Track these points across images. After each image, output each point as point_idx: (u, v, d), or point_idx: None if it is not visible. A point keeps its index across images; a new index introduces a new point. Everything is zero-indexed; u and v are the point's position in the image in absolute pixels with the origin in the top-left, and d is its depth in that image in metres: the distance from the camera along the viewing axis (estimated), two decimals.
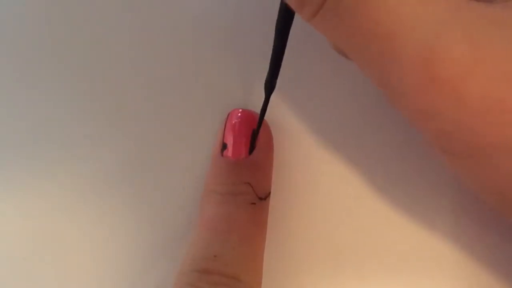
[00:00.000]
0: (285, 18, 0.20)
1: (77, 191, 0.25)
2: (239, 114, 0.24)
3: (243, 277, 0.21)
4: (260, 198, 0.23)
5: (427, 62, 0.15)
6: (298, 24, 0.19)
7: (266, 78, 0.21)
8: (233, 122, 0.24)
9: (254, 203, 0.23)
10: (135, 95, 0.25)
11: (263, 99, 0.22)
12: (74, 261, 0.24)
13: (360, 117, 0.24)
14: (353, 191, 0.24)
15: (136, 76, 0.25)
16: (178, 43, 0.25)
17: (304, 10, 0.17)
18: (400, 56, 0.16)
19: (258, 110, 0.23)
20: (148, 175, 0.25)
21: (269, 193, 0.23)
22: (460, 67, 0.15)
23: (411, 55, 0.16)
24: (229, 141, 0.23)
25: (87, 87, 0.25)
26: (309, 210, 0.24)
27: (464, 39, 0.15)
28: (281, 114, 0.25)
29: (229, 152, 0.23)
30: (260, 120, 0.23)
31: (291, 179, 0.24)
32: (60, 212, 0.24)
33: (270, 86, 0.22)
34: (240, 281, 0.21)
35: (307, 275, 0.24)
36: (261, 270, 0.22)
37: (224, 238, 0.22)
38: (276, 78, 0.21)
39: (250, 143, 0.23)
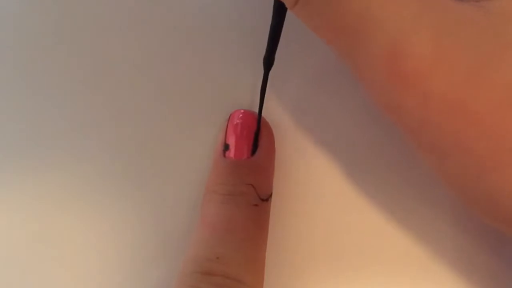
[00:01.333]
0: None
1: (78, 191, 0.24)
2: (241, 115, 0.24)
3: (245, 278, 0.21)
4: (262, 200, 0.23)
5: (392, 58, 0.16)
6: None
7: (265, 55, 0.22)
8: (235, 122, 0.24)
9: (256, 205, 0.22)
10: (136, 96, 0.25)
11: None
12: (74, 262, 0.24)
13: (362, 116, 0.24)
14: (354, 191, 0.24)
15: (137, 77, 0.25)
16: (179, 43, 0.25)
17: None
18: (367, 50, 0.16)
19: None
20: (148, 175, 0.25)
21: (271, 194, 0.23)
22: (423, 65, 0.16)
23: (378, 49, 0.16)
24: (231, 142, 0.23)
25: (88, 87, 0.25)
26: (309, 211, 0.24)
27: (428, 37, 0.16)
28: (281, 115, 0.24)
29: (231, 153, 0.23)
30: (261, 99, 0.23)
31: (291, 180, 0.24)
32: (61, 213, 0.24)
33: (268, 61, 0.22)
34: (243, 283, 0.21)
35: (308, 276, 0.24)
36: (263, 271, 0.22)
37: (226, 239, 0.21)
38: (274, 53, 0.22)
39: (252, 144, 0.23)
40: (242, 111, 0.24)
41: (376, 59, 0.16)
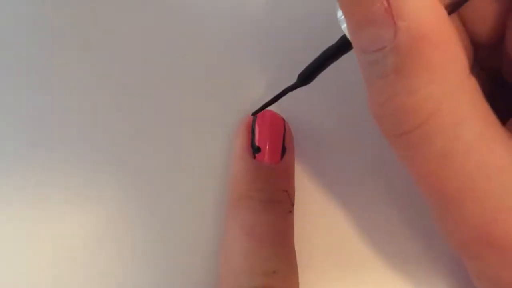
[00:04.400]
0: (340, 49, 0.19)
1: (84, 196, 0.22)
2: (272, 117, 0.23)
3: None
4: (293, 205, 0.23)
5: (487, 234, 0.16)
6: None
7: (305, 71, 0.20)
8: (267, 125, 0.22)
9: (290, 211, 0.22)
10: (143, 97, 0.23)
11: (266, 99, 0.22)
12: (89, 266, 0.21)
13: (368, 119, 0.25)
14: (365, 192, 0.24)
15: (145, 78, 0.23)
16: (186, 44, 0.23)
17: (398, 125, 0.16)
18: (460, 213, 0.16)
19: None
20: (157, 176, 0.23)
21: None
22: None
23: (472, 219, 0.16)
24: (265, 145, 0.22)
25: (96, 89, 0.23)
26: (320, 213, 0.24)
27: None
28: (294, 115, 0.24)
29: (265, 156, 0.22)
30: (271, 102, 0.22)
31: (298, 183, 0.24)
32: (70, 214, 0.22)
33: (305, 80, 0.20)
34: None
35: (313, 277, 0.24)
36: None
37: (278, 252, 0.21)
38: (315, 76, 0.20)
39: (282, 147, 0.23)
40: (271, 112, 0.23)
41: (471, 222, 0.16)
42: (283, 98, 0.23)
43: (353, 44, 0.16)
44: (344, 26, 0.17)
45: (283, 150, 0.23)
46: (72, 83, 0.22)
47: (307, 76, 0.20)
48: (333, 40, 0.19)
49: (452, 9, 0.16)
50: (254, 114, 0.23)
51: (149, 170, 0.22)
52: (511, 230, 0.16)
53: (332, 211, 0.24)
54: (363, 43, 0.16)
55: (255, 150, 0.22)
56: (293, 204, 0.23)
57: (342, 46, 0.18)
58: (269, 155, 0.22)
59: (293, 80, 0.23)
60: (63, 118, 0.22)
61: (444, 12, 0.15)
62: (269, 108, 0.22)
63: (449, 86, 0.15)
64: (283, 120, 0.23)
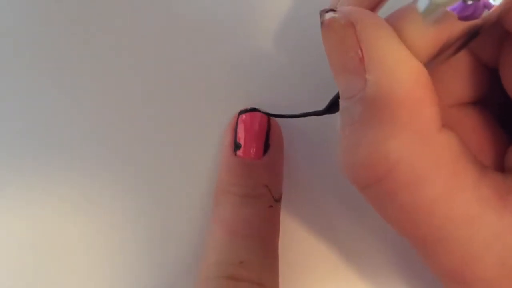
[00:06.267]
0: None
1: (84, 194, 0.23)
2: (253, 115, 0.23)
3: (267, 282, 0.21)
4: (276, 200, 0.23)
5: (459, 275, 0.16)
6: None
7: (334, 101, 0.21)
8: (248, 122, 0.23)
9: (271, 206, 0.22)
10: (140, 96, 0.24)
11: (263, 100, 0.24)
12: (79, 264, 0.23)
13: None
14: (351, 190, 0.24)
15: (141, 78, 0.24)
16: (180, 43, 0.24)
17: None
18: (436, 255, 0.16)
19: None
20: (151, 175, 0.24)
21: (281, 194, 0.23)
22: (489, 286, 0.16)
23: (446, 262, 0.16)
24: (244, 142, 0.23)
25: (94, 88, 0.24)
26: (313, 211, 0.24)
27: (494, 262, 0.16)
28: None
29: (244, 152, 0.23)
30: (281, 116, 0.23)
31: (296, 181, 0.24)
32: (62, 211, 0.23)
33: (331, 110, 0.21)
34: (265, 287, 0.21)
35: (310, 277, 0.24)
36: (278, 272, 0.22)
37: (248, 243, 0.21)
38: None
39: (264, 144, 0.23)
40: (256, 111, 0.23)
41: (443, 266, 0.16)
42: (278, 99, 0.24)
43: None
44: None
45: (267, 147, 0.23)
46: (70, 83, 0.24)
47: (333, 105, 0.21)
48: None
49: (460, 46, 0.16)
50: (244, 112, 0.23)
51: (144, 168, 0.24)
52: (480, 274, 0.16)
53: (327, 209, 0.24)
54: (340, 88, 0.17)
55: (236, 147, 0.23)
56: (276, 200, 0.23)
57: None
58: (249, 151, 0.23)
59: (291, 83, 0.24)
60: (62, 118, 0.24)
61: (418, 66, 0.15)
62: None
63: (411, 143, 0.15)
64: (268, 118, 0.23)
